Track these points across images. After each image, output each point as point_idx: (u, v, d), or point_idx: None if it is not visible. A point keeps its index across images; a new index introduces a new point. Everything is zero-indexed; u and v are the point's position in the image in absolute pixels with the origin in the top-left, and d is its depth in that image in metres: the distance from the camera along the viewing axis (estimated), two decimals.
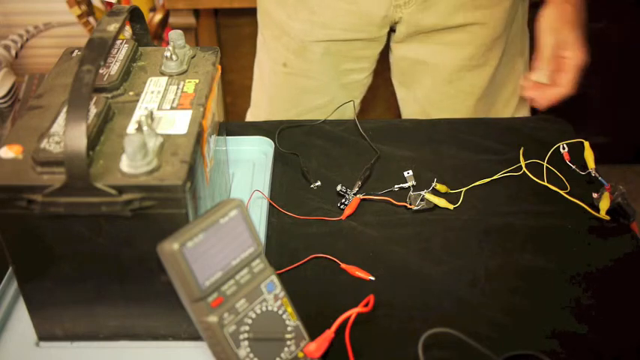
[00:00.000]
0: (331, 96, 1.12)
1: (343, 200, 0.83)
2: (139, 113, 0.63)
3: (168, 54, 0.69)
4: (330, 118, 0.98)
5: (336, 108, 1.03)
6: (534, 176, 0.85)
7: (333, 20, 1.03)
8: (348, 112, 1.11)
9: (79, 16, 1.77)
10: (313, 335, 0.63)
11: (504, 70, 1.10)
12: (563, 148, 0.88)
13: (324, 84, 1.11)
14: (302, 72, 1.10)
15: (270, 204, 0.82)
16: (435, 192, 0.83)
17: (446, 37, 1.03)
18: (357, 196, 0.83)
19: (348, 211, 0.81)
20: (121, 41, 0.73)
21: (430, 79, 1.09)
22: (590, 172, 0.84)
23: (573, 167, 0.86)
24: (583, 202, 0.81)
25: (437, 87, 1.09)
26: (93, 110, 0.61)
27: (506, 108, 1.13)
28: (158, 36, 1.78)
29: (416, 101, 1.13)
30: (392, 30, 1.06)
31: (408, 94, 1.14)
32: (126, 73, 0.69)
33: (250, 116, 1.23)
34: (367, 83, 1.15)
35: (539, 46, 0.90)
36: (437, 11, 1.00)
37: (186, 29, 1.68)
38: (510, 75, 1.11)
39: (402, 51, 1.08)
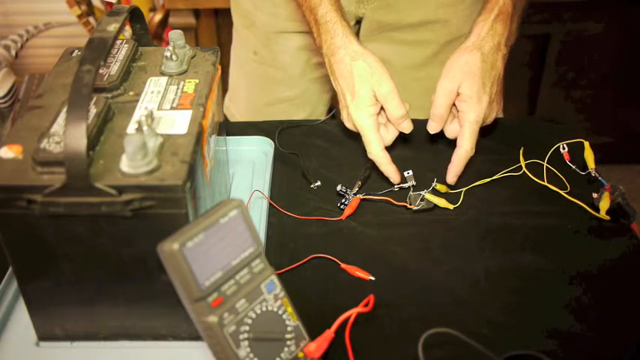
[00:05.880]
0: (301, 89, 1.12)
1: (343, 200, 0.83)
2: (139, 113, 0.63)
3: (168, 54, 0.69)
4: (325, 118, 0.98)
5: (330, 112, 1.03)
6: (534, 176, 0.85)
7: (297, 12, 1.02)
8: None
9: (79, 16, 1.77)
10: (313, 335, 0.63)
11: None
12: (563, 148, 0.88)
13: (292, 76, 1.11)
14: (270, 62, 1.10)
15: (270, 204, 0.82)
16: (435, 192, 0.83)
17: (409, 36, 1.03)
18: (357, 196, 0.83)
19: (348, 211, 0.81)
20: (121, 41, 0.73)
21: (397, 77, 1.08)
22: (590, 172, 0.84)
23: (573, 167, 0.86)
24: (583, 202, 0.81)
25: (405, 85, 1.08)
26: (93, 110, 0.61)
27: None
28: (158, 36, 1.78)
29: None
30: (358, 23, 1.06)
31: None
32: (126, 73, 0.69)
33: (228, 100, 1.23)
34: None
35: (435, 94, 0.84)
36: (398, 9, 1.00)
37: (186, 29, 1.68)
38: None
39: None
